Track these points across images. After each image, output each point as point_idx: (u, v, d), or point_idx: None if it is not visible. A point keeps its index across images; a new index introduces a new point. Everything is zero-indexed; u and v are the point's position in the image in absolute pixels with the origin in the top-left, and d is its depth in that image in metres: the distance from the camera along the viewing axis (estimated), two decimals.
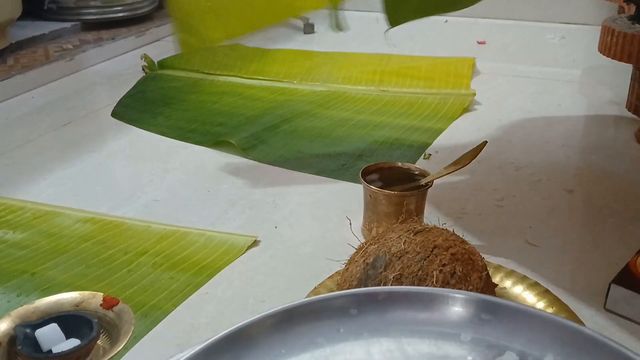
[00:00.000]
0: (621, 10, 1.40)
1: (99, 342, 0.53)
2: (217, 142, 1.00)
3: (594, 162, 0.91)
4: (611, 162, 0.91)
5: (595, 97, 1.19)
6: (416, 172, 0.72)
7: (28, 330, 0.51)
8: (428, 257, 0.49)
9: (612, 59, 0.99)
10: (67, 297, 0.55)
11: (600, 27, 1.01)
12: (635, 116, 1.07)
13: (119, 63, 1.46)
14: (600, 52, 1.01)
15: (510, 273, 0.61)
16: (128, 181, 0.91)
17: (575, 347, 0.33)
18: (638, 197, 0.81)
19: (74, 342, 0.51)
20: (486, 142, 0.66)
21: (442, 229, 0.53)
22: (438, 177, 0.69)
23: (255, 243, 0.72)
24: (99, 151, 1.00)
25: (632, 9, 1.02)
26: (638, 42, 0.94)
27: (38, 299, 0.55)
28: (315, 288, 0.60)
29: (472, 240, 0.54)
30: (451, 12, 0.67)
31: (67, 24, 1.58)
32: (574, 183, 0.85)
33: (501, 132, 1.02)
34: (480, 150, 0.66)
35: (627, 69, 1.07)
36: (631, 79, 1.07)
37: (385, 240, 0.51)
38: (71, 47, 1.46)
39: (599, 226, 0.75)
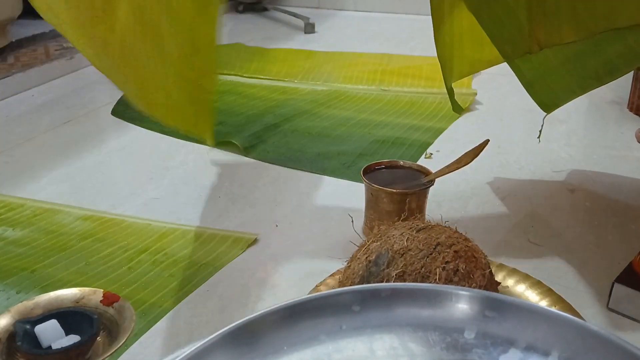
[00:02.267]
0: None
1: (99, 338, 0.52)
2: (217, 141, 0.99)
3: (596, 162, 0.91)
4: (613, 162, 0.91)
5: (596, 97, 1.18)
6: (418, 171, 0.72)
7: (28, 326, 0.50)
8: (431, 254, 0.48)
9: None
10: (67, 294, 0.55)
11: None
12: (636, 116, 1.07)
13: None
14: None
15: (512, 272, 0.60)
16: (128, 179, 0.91)
17: (580, 343, 0.33)
18: None
19: (73, 339, 0.50)
20: (488, 140, 0.66)
21: (445, 226, 0.53)
22: (440, 176, 0.69)
23: (255, 241, 0.72)
24: (99, 149, 0.99)
25: None
26: None
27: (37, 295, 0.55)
28: (316, 286, 0.60)
29: (474, 239, 0.53)
30: (609, 82, 0.63)
31: None
32: (576, 182, 0.85)
33: (502, 131, 1.02)
34: (482, 149, 0.66)
35: None
36: (633, 79, 1.07)
37: (387, 237, 0.51)
38: (71, 45, 1.46)
39: (601, 225, 0.74)
